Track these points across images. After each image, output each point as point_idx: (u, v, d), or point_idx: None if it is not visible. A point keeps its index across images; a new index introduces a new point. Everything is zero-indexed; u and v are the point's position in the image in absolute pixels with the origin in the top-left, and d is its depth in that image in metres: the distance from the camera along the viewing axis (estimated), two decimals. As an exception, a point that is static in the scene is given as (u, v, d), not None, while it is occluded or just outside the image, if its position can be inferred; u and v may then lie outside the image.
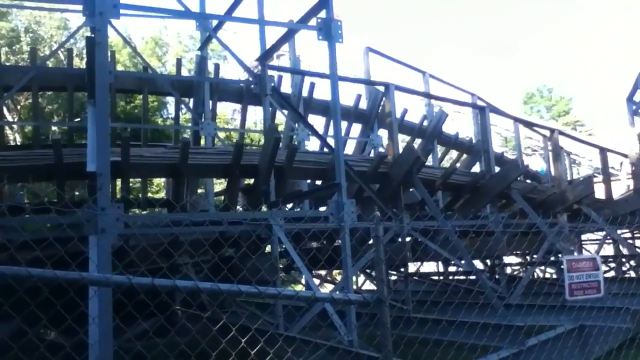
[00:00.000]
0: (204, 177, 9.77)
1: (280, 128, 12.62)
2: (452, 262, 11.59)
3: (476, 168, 13.14)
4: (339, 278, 14.04)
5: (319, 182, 10.14)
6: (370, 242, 8.22)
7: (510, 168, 11.37)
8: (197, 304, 8.72)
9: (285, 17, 9.17)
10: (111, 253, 5.09)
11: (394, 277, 13.42)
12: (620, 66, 57.30)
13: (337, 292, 7.28)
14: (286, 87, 10.86)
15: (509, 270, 14.18)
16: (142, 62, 11.07)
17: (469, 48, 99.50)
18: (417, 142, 13.08)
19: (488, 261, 12.60)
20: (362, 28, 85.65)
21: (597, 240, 15.62)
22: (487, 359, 6.07)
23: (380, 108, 11.35)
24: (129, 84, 10.61)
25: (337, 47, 7.28)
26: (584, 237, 15.53)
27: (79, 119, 14.36)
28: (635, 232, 14.70)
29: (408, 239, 9.91)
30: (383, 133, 11.43)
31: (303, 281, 11.32)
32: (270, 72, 8.93)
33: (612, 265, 13.97)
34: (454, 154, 15.53)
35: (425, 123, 13.22)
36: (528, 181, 14.75)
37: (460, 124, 17.30)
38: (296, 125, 10.11)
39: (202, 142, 9.75)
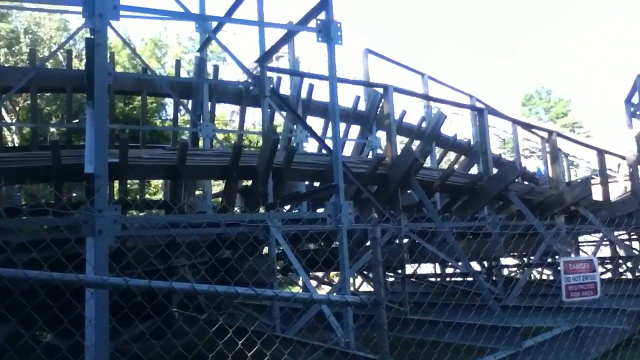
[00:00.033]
0: (202, 178, 9.77)
1: (279, 130, 12.58)
2: (450, 263, 11.60)
3: (474, 170, 13.16)
4: (336, 280, 14.04)
5: (317, 184, 10.15)
6: (368, 243, 8.23)
7: (508, 170, 11.39)
8: (194, 305, 8.71)
9: (285, 19, 9.20)
10: (108, 255, 5.10)
11: (391, 279, 13.44)
12: (620, 66, 57.35)
13: (335, 294, 7.29)
14: (285, 89, 10.88)
15: (506, 271, 14.22)
16: (141, 64, 11.07)
17: (469, 48, 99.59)
18: (416, 143, 13.10)
19: (485, 263, 12.62)
20: (361, 28, 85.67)
21: (594, 241, 15.64)
22: (483, 360, 6.08)
23: (379, 110, 11.36)
24: (128, 85, 10.61)
25: (336, 49, 7.31)
26: (581, 238, 15.53)
27: (77, 121, 14.35)
28: (632, 233, 14.73)
29: (405, 240, 9.93)
30: (381, 135, 11.44)
31: (300, 283, 11.32)
32: (269, 74, 8.95)
33: (609, 266, 14.00)
34: (452, 155, 15.54)
35: (424, 125, 13.24)
36: (526, 183, 14.77)
37: (458, 126, 17.30)
38: (295, 126, 10.12)
39: (201, 143, 9.76)
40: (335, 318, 6.71)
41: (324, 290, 13.91)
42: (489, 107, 13.09)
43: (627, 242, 14.92)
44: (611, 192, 13.96)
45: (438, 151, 14.22)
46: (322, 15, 7.36)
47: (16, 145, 18.31)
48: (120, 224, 5.45)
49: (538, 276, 13.98)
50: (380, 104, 11.15)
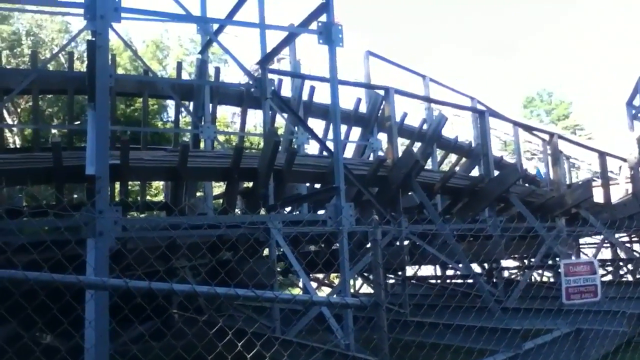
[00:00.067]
0: (203, 180, 9.79)
1: (280, 131, 12.63)
2: (450, 265, 11.59)
3: (475, 172, 13.16)
4: (336, 281, 14.04)
5: (318, 186, 10.15)
6: (368, 245, 8.24)
7: (509, 172, 11.39)
8: (194, 307, 8.72)
9: (286, 21, 9.22)
10: (109, 256, 5.11)
11: (391, 281, 13.43)
12: (620, 67, 57.32)
13: (335, 296, 7.29)
14: (286, 91, 10.90)
15: (506, 273, 14.20)
16: (143, 66, 11.09)
17: (469, 48, 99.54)
18: (417, 145, 13.10)
19: (486, 265, 12.60)
20: (362, 28, 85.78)
21: (594, 244, 15.62)
22: (483, 362, 6.08)
23: (380, 112, 11.37)
24: (129, 87, 10.63)
25: (337, 51, 7.32)
26: (581, 241, 15.51)
27: (79, 122, 14.39)
28: (633, 236, 14.71)
29: (406, 242, 9.92)
30: (382, 137, 11.45)
31: (300, 284, 11.32)
32: (270, 76, 8.97)
33: (610, 269, 13.98)
34: (453, 157, 15.54)
35: (425, 127, 13.25)
36: (527, 185, 14.76)
37: (459, 128, 17.30)
38: (296, 128, 10.13)
39: (202, 145, 9.77)
40: (336, 320, 6.71)
41: (324, 292, 13.91)
42: (490, 109, 13.10)
43: (628, 245, 14.91)
44: (612, 194, 13.94)
45: (439, 153, 14.22)
46: (323, 18, 7.38)
47: (18, 146, 18.33)
48: (120, 226, 5.47)
49: (538, 278, 13.98)
50: (382, 106, 11.16)
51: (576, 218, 12.13)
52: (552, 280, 12.97)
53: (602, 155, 14.28)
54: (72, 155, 7.25)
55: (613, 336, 6.99)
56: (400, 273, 10.98)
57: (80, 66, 19.56)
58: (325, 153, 8.83)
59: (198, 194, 11.03)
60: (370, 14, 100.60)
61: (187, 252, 7.97)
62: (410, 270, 12.34)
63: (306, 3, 7.76)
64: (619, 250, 13.66)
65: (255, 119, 27.05)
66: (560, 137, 14.36)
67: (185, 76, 21.48)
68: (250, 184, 9.36)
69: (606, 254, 15.11)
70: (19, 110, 21.56)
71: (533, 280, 12.50)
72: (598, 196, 13.52)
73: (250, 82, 8.88)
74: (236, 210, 9.54)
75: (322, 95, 10.72)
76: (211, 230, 6.96)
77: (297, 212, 10.26)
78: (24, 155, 7.84)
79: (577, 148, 17.41)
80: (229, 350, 3.80)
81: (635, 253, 14.56)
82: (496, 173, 11.88)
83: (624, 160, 14.60)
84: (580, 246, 15.57)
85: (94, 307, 4.58)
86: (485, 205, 11.26)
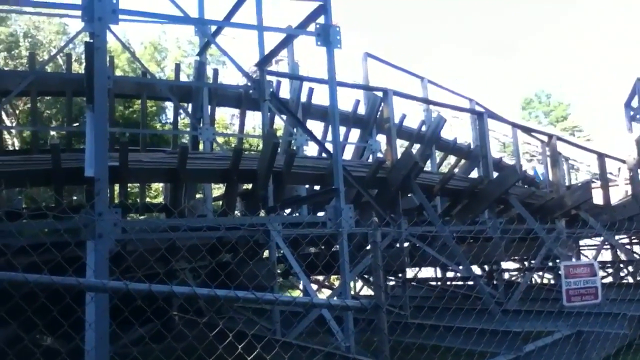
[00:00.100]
0: (203, 182, 9.77)
1: (279, 133, 12.60)
2: (450, 267, 11.58)
3: (474, 173, 13.15)
4: (336, 283, 14.03)
5: (317, 187, 10.14)
6: (368, 247, 8.22)
7: (508, 173, 11.37)
8: (194, 309, 8.70)
9: (284, 23, 9.21)
10: (108, 258, 5.09)
11: (391, 283, 13.41)
12: (620, 67, 57.36)
13: (335, 298, 7.28)
14: (285, 93, 10.88)
15: (506, 275, 14.19)
16: (141, 67, 11.11)
17: (469, 48, 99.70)
18: (416, 147, 13.10)
19: (486, 267, 12.60)
20: (361, 28, 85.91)
21: (595, 245, 15.63)
22: (484, 365, 6.07)
23: (379, 113, 11.37)
24: (127, 89, 10.61)
25: (335, 52, 7.31)
26: (581, 242, 15.52)
27: (77, 124, 14.35)
28: (633, 237, 14.71)
29: (406, 244, 9.92)
30: (381, 138, 11.44)
31: (301, 287, 11.30)
32: (268, 78, 8.97)
33: (610, 271, 13.98)
34: (452, 159, 15.54)
35: (424, 128, 13.24)
36: (526, 186, 14.76)
37: (458, 130, 17.33)
38: (295, 130, 10.11)
39: (201, 147, 9.76)
40: (336, 322, 6.69)
41: (325, 294, 13.89)
42: (488, 111, 13.10)
43: (628, 246, 14.90)
44: (612, 195, 13.94)
45: (438, 155, 14.21)
46: (321, 19, 7.37)
47: (16, 148, 18.30)
48: (120, 228, 5.45)
49: (539, 280, 13.98)
50: (380, 108, 11.15)
51: (576, 220, 12.12)
52: (552, 282, 12.98)
53: (601, 156, 14.28)
54: (71, 157, 7.22)
55: (614, 339, 6.98)
56: (400, 275, 10.96)
57: (79, 68, 19.55)
58: (324, 155, 8.80)
59: (197, 195, 11.00)
60: (369, 13, 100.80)
61: (186, 254, 7.95)
62: (410, 272, 12.32)
63: (304, 5, 7.76)
64: (619, 252, 13.66)
65: (254, 120, 27.04)
66: (559, 138, 14.36)
67: (183, 78, 21.49)
68: (250, 186, 9.34)
69: (606, 255, 15.12)
70: (17, 112, 21.54)
71: (533, 282, 12.50)
72: (597, 198, 13.51)
73: (249, 84, 8.87)
74: (236, 212, 9.52)
75: (321, 97, 10.74)
76: (211, 232, 6.95)
77: (297, 214, 10.24)
78: (22, 157, 7.80)
79: (576, 149, 17.43)
80: (229, 352, 3.78)
81: (635, 255, 14.55)
82: (495, 174, 11.87)
83: (623, 161, 14.60)
84: (580, 248, 15.58)
85: (94, 309, 4.57)
86: (484, 206, 11.25)
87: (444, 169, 16.84)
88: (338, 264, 7.07)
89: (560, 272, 6.47)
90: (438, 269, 15.16)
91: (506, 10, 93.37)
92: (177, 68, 11.49)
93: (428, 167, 12.54)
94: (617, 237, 13.04)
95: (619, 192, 15.61)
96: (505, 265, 13.57)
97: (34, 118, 11.56)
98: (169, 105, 22.32)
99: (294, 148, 9.91)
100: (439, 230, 9.16)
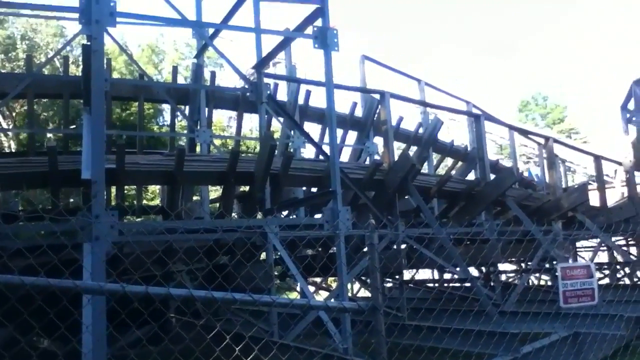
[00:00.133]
0: (200, 184, 9.76)
1: (276, 136, 12.64)
2: (447, 269, 11.59)
3: (471, 176, 13.19)
4: (334, 285, 14.02)
5: (314, 190, 10.15)
6: (365, 249, 8.23)
7: (505, 175, 11.41)
8: (191, 311, 8.68)
9: (282, 26, 9.22)
10: (105, 261, 5.08)
11: (389, 285, 13.42)
12: (619, 68, 57.36)
13: (332, 300, 7.28)
14: (282, 95, 10.92)
15: (503, 277, 14.21)
16: (138, 70, 11.10)
17: (469, 48, 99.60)
18: (413, 149, 13.13)
19: (483, 268, 12.61)
20: (360, 28, 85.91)
21: (591, 247, 15.66)
22: (481, 366, 6.08)
23: (376, 116, 11.38)
24: (124, 92, 10.61)
25: (333, 55, 7.31)
26: (578, 244, 15.55)
27: (74, 126, 14.34)
28: (629, 239, 14.74)
29: (403, 246, 9.92)
30: (379, 141, 11.46)
31: (298, 289, 11.30)
32: (266, 80, 8.94)
33: (607, 272, 14.00)
34: (449, 161, 15.60)
35: (421, 131, 13.27)
36: (523, 188, 14.78)
37: (455, 132, 17.37)
38: (292, 132, 10.13)
39: (198, 149, 9.75)
40: (333, 324, 6.69)
41: (322, 296, 13.89)
42: (485, 113, 13.13)
43: (625, 248, 14.93)
44: (608, 198, 13.98)
45: (435, 157, 14.22)
46: (318, 22, 7.37)
47: (13, 150, 18.26)
48: (117, 230, 5.44)
49: (536, 282, 14.00)
50: (377, 110, 11.17)
51: (572, 221, 12.15)
52: (549, 283, 12.99)
53: (598, 158, 14.32)
54: (68, 159, 7.22)
55: (611, 340, 7.00)
56: (397, 277, 10.96)
57: (76, 70, 19.51)
58: (321, 157, 8.81)
59: (194, 198, 11.00)
60: (369, 13, 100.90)
61: (183, 256, 7.94)
62: (407, 274, 12.32)
63: (302, 7, 7.77)
64: (615, 254, 13.69)
65: (251, 123, 26.94)
66: (556, 140, 14.39)
67: (180, 80, 21.47)
68: (247, 188, 9.34)
69: (603, 257, 15.15)
70: (14, 114, 21.50)
71: (530, 283, 12.52)
72: (594, 200, 13.55)
73: (246, 87, 8.86)
74: (233, 214, 9.52)
75: (318, 99, 10.77)
76: (208, 234, 6.94)
77: (294, 216, 10.25)
78: (19, 160, 7.78)
79: (572, 152, 17.47)
80: (226, 354, 3.78)
81: (631, 256, 14.58)
82: (492, 177, 11.89)
83: (620, 163, 14.65)
84: (577, 250, 15.60)
85: (91, 312, 4.56)
86: (481, 208, 11.27)
87: (441, 171, 16.85)
88: (335, 266, 7.07)
89: (557, 274, 6.48)
90: (435, 271, 15.17)
91: (506, 10, 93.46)
92: (175, 70, 11.47)
93: (425, 169, 12.57)
94: (613, 239, 13.06)
95: (616, 194, 15.66)
96: (502, 267, 13.59)
97: (30, 120, 11.52)
98: (166, 108, 22.37)
99: (291, 150, 9.93)
100: (436, 232, 9.16)
